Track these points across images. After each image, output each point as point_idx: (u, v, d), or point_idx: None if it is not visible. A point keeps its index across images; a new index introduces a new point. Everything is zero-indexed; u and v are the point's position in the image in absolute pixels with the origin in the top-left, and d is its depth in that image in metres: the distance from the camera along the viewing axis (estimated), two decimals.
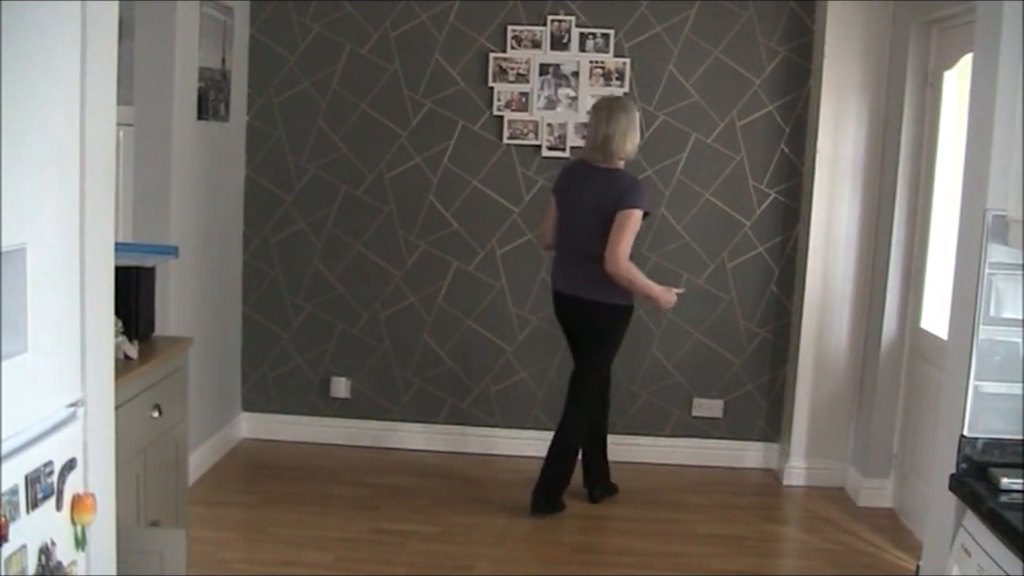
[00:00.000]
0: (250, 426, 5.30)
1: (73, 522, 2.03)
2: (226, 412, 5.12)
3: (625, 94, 4.91)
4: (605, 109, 4.23)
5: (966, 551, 2.42)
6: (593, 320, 4.29)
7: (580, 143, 4.97)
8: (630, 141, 4.21)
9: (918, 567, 2.98)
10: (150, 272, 3.35)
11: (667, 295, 4.26)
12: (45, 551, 1.93)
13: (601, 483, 4.62)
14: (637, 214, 4.12)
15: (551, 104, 4.99)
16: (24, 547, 1.85)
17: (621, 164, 4.25)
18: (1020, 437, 2.54)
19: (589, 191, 4.20)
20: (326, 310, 5.21)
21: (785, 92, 4.98)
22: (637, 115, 4.27)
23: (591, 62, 4.97)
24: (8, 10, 1.72)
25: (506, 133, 5.03)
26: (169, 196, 4.30)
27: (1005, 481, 2.39)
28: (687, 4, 4.94)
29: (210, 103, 4.62)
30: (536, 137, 5.02)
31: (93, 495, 2.08)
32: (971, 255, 2.61)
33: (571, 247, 4.29)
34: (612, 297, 4.22)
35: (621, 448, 5.10)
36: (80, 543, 2.06)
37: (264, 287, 5.22)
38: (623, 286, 4.16)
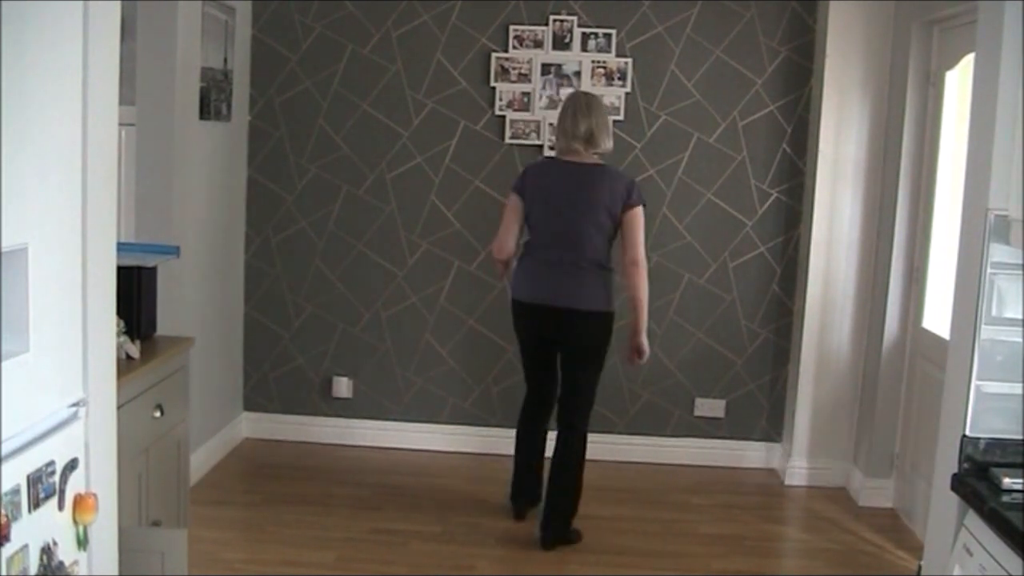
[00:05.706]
0: (252, 426, 5.30)
1: (75, 522, 2.03)
2: (228, 412, 5.12)
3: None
4: (584, 103, 4.00)
5: (968, 551, 2.41)
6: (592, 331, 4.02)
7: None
8: (610, 135, 4.04)
9: (920, 567, 2.98)
10: (152, 272, 3.35)
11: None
12: (47, 551, 1.93)
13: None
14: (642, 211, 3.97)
15: (553, 104, 4.99)
16: (26, 547, 1.85)
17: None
18: (1022, 437, 2.54)
19: (590, 189, 3.93)
20: (328, 310, 5.21)
21: (786, 92, 4.98)
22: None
23: (593, 62, 4.96)
24: (9, 10, 1.72)
25: (508, 133, 5.03)
26: (171, 196, 4.30)
27: (1007, 481, 2.39)
28: (689, 4, 4.94)
29: (212, 103, 4.62)
30: (538, 137, 5.02)
31: (95, 495, 2.08)
32: (973, 255, 2.61)
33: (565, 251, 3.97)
34: (611, 304, 4.01)
35: (622, 448, 5.12)
36: (82, 543, 2.06)
37: (266, 287, 5.23)
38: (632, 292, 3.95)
